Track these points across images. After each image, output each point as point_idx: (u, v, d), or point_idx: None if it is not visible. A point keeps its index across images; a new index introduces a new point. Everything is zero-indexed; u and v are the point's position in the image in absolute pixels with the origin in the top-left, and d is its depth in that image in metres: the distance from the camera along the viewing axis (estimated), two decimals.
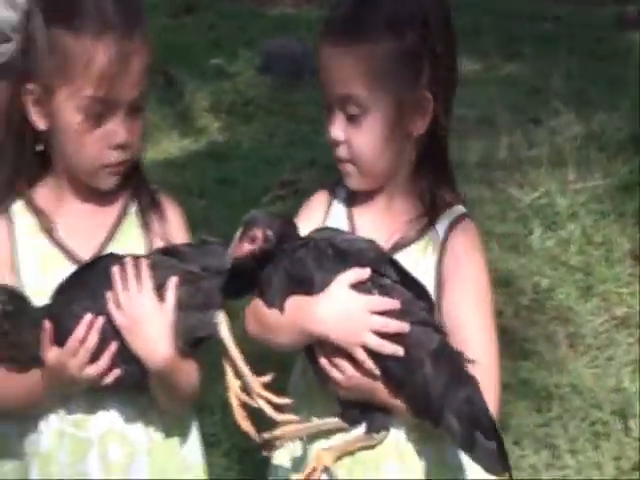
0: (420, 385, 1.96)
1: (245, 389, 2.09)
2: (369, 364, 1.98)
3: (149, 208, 2.24)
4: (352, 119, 2.11)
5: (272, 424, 2.08)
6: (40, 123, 2.15)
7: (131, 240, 2.20)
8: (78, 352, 2.03)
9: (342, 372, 2.01)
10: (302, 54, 5.75)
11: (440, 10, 2.15)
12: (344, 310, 1.99)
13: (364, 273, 1.99)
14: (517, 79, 5.33)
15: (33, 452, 2.19)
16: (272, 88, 5.94)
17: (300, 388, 2.18)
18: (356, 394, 2.04)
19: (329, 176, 4.00)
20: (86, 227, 2.21)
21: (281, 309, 2.05)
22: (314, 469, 2.06)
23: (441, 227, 2.15)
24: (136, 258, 2.10)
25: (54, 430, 2.17)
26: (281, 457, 2.20)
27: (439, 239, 2.14)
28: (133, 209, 2.24)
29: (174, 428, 2.23)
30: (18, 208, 2.22)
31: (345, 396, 2.06)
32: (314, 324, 2.00)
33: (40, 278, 2.17)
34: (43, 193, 2.22)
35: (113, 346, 2.04)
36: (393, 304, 1.98)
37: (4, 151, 2.31)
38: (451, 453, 2.04)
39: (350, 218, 2.21)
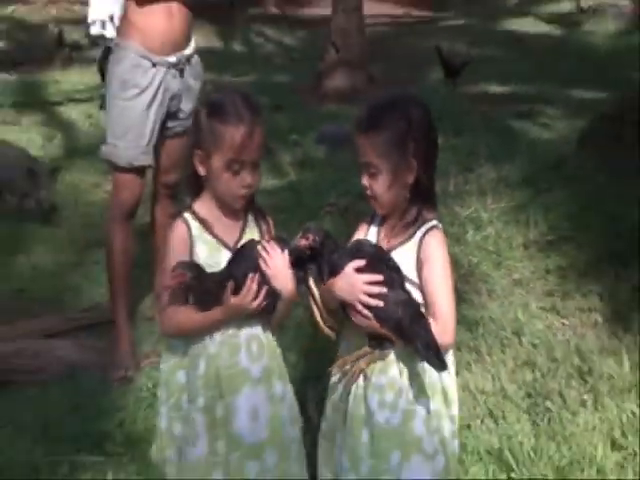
0: (397, 322, 1.97)
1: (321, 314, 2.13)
2: (365, 312, 2.00)
3: (260, 220, 2.28)
4: (371, 175, 2.14)
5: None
6: (202, 171, 2.18)
7: (252, 236, 2.22)
8: (248, 295, 2.06)
9: (354, 316, 2.03)
10: (342, 134, 5.67)
11: (422, 114, 2.14)
12: (349, 282, 2.01)
13: (361, 262, 2.01)
14: (460, 148, 5.26)
15: (200, 354, 2.16)
16: (325, 152, 5.91)
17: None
18: (365, 329, 2.05)
19: (357, 201, 4.07)
20: (227, 229, 2.22)
21: (325, 284, 2.08)
22: (356, 370, 2.09)
23: (420, 233, 2.15)
24: (267, 241, 2.15)
25: (218, 340, 2.15)
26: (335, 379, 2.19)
27: (418, 241, 2.14)
28: (251, 219, 2.26)
29: (275, 336, 2.24)
30: (188, 217, 2.21)
31: (364, 331, 2.07)
32: (336, 291, 2.03)
33: (208, 258, 2.17)
34: (201, 208, 2.22)
35: (264, 289, 2.09)
36: (378, 278, 2.00)
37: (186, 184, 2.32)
38: (421, 362, 2.05)
39: (378, 234, 2.22)
